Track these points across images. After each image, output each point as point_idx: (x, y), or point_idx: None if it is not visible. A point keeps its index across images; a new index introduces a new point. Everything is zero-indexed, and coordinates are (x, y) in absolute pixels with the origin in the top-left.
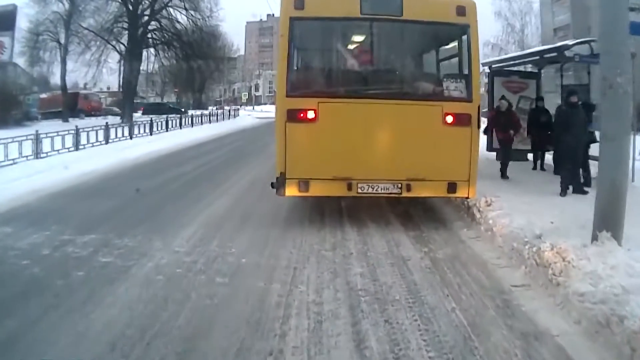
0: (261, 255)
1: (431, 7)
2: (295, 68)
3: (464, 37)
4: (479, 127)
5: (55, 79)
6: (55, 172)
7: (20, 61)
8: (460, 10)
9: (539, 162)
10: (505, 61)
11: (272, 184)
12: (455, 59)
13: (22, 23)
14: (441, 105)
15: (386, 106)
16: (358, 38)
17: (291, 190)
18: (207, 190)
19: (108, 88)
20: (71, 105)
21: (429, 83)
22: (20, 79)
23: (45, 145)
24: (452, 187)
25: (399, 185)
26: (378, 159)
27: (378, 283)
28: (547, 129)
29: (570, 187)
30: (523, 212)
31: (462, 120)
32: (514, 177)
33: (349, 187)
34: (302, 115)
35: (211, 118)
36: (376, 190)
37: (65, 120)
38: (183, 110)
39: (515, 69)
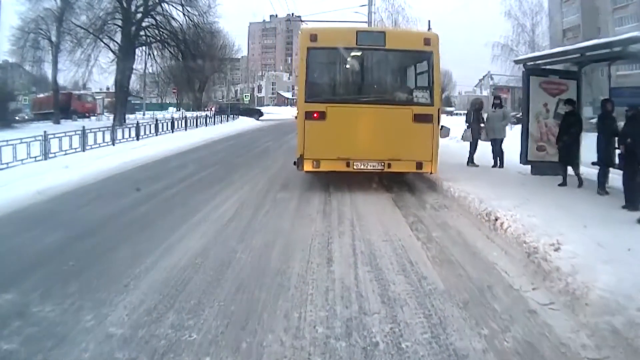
0: (235, 350)
1: (406, 39)
2: (311, 82)
3: (429, 60)
4: (438, 123)
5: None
6: (8, 190)
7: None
8: (427, 41)
9: (577, 177)
10: (542, 58)
11: (294, 162)
12: (423, 75)
13: (13, 21)
14: (411, 108)
15: (374, 109)
16: (355, 61)
17: (307, 166)
18: (179, 220)
19: (107, 88)
20: (64, 106)
21: (404, 93)
22: (20, 79)
23: (7, 154)
24: (419, 165)
25: (382, 164)
26: (368, 145)
27: None
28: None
29: None
30: (604, 260)
31: (426, 118)
32: (556, 200)
33: (348, 165)
34: (315, 115)
35: (207, 121)
36: (366, 167)
37: (56, 122)
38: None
39: (549, 67)
